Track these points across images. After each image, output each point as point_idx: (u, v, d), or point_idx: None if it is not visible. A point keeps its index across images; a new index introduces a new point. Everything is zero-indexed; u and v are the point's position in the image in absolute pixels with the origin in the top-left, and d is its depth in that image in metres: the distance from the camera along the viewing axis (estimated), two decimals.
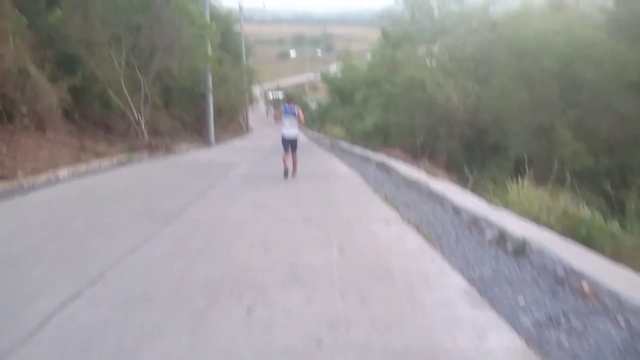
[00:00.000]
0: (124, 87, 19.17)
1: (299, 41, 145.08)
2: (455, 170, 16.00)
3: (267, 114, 71.56)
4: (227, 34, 49.75)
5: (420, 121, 18.36)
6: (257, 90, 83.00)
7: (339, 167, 13.51)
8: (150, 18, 19.35)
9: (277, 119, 11.00)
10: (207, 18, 22.92)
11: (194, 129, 29.15)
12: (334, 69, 58.57)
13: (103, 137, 19.46)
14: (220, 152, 20.29)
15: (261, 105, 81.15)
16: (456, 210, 7.19)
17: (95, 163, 14.11)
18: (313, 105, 66.46)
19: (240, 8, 47.69)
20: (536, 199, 8.46)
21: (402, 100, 19.42)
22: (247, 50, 59.85)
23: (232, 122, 41.52)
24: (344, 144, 23.99)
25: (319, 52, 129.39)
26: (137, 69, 19.91)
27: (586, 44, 12.03)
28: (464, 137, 17.31)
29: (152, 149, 19.03)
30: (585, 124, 11.95)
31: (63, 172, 11.56)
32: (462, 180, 14.14)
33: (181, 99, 28.48)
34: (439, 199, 8.15)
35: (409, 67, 20.25)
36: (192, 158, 16.17)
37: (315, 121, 53.67)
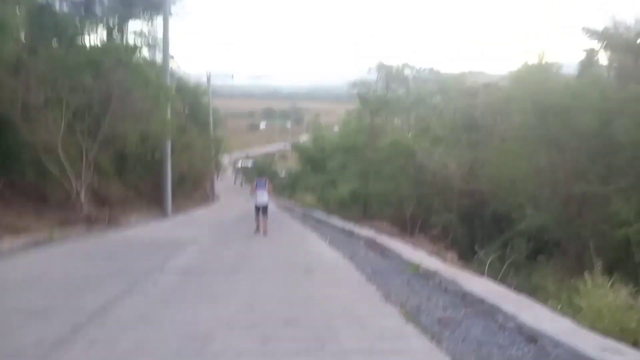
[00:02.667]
0: (61, 154, 15.78)
1: (268, 114, 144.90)
2: (456, 248, 13.01)
3: (235, 182, 68.23)
4: (195, 105, 47.44)
5: (407, 190, 15.47)
6: (226, 159, 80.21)
7: (320, 246, 10.26)
8: (97, 78, 16.36)
9: (252, 191, 12.97)
10: (166, 81, 20.04)
11: (152, 198, 25.53)
12: (303, 139, 56.61)
13: (32, 210, 15.80)
14: (174, 225, 16.79)
15: (230, 173, 78.01)
16: (533, 337, 4.07)
17: (4, 244, 10.48)
18: (283, 174, 63.80)
19: (208, 78, 45.59)
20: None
21: (386, 168, 16.60)
22: (216, 122, 57.53)
23: (196, 190, 38.04)
24: (320, 214, 20.80)
25: (289, 124, 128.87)
26: (80, 134, 16.64)
27: (630, 98, 9.46)
28: (460, 208, 14.42)
29: (90, 223, 15.43)
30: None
31: None
32: (469, 262, 11.11)
33: (137, 167, 25.11)
34: (492, 312, 4.98)
35: (390, 132, 17.65)
36: (134, 234, 12.66)
37: (285, 189, 50.75)
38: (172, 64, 25.09)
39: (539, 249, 11.07)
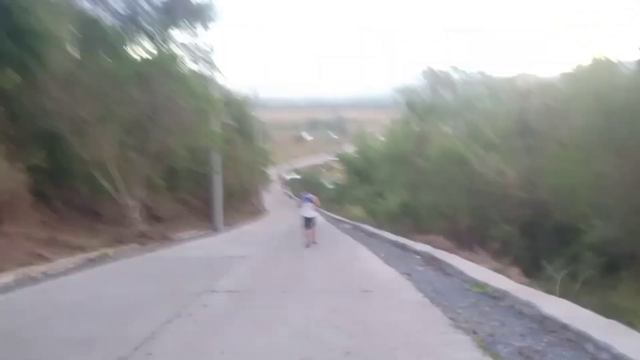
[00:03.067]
0: (112, 170, 16.01)
1: (313, 125, 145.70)
2: (519, 263, 12.18)
3: (284, 195, 68.53)
4: (241, 117, 47.99)
5: (461, 201, 14.68)
6: (273, 172, 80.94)
7: (374, 263, 9.74)
8: (146, 91, 16.53)
9: (300, 206, 13.93)
10: (214, 92, 20.09)
11: (203, 213, 25.76)
12: (348, 150, 56.31)
13: (87, 227, 16.10)
14: (224, 240, 16.65)
15: (277, 186, 78.45)
16: None
17: (60, 262, 10.58)
18: (329, 186, 63.55)
19: (255, 93, 45.97)
20: None
21: (436, 178, 15.88)
22: (263, 134, 58.18)
23: (245, 203, 38.28)
24: (369, 227, 20.26)
25: (333, 134, 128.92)
26: (131, 149, 16.85)
27: None
28: (520, 219, 13.54)
29: (144, 240, 15.52)
30: None
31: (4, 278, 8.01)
32: (536, 278, 10.31)
33: (188, 181, 25.38)
34: (579, 341, 4.37)
35: (439, 140, 16.91)
36: (186, 251, 12.54)
37: (333, 201, 50.41)
38: (218, 76, 25.35)
39: (612, 264, 10.12)
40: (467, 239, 13.86)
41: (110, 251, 12.54)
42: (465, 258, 10.56)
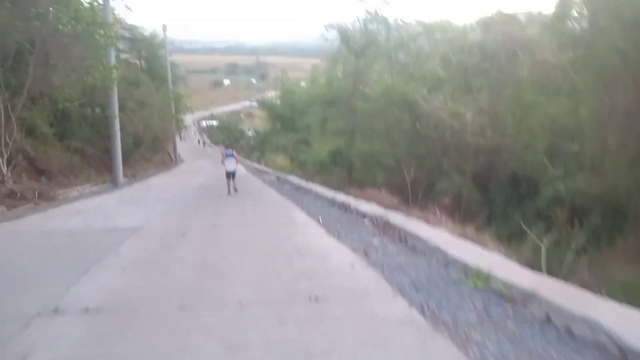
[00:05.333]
0: None
1: (232, 70, 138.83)
2: (473, 220, 10.38)
3: (199, 143, 64.06)
4: (151, 58, 42.97)
5: (405, 149, 12.55)
6: (189, 119, 75.74)
7: (315, 234, 7.29)
8: (13, 12, 12.53)
9: (222, 161, 14.15)
10: (107, 16, 16.02)
11: (103, 164, 21.92)
12: (270, 96, 53.03)
13: None
14: (121, 199, 13.49)
15: (194, 134, 73.60)
16: None
17: None
18: (249, 133, 60.11)
19: (164, 28, 40.82)
20: None
21: (377, 122, 13.58)
22: (177, 78, 53.21)
23: (156, 153, 34.30)
24: (297, 179, 17.80)
25: (254, 80, 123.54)
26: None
27: None
28: (473, 169, 11.67)
29: (14, 201, 12.05)
30: None
31: None
32: (508, 243, 8.49)
33: (84, 128, 21.32)
34: None
35: (380, 79, 14.51)
36: (59, 219, 9.37)
37: (254, 150, 47.32)
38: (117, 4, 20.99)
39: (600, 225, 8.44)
40: (413, 194, 11.81)
41: None
42: (419, 218, 8.47)
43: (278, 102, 40.86)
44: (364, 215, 8.65)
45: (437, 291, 4.40)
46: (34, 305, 3.90)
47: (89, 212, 10.19)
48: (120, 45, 34.38)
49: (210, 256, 5.69)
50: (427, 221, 8.36)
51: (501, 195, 11.81)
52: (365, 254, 5.89)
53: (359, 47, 16.46)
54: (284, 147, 33.76)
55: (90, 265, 5.26)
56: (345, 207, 9.80)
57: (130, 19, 32.77)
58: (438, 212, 9.89)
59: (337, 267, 5.20)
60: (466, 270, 5.01)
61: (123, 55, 36.05)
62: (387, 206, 9.71)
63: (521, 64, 11.49)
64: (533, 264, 6.02)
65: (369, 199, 10.70)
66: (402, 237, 6.90)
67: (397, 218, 7.89)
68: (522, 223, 8.16)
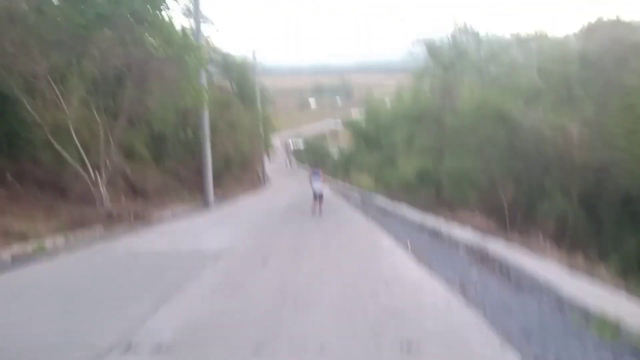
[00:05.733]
0: (74, 135, 12.95)
1: (318, 91, 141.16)
2: (582, 248, 9.20)
3: (287, 165, 65.31)
4: (242, 82, 44.45)
5: (501, 167, 11.53)
6: (276, 140, 77.73)
7: (402, 264, 6.65)
8: (110, 38, 13.25)
9: (310, 180, 14.41)
10: (198, 40, 16.60)
11: (195, 184, 22.69)
12: (355, 114, 52.92)
13: (46, 206, 13.16)
14: (210, 221, 13.69)
15: (281, 154, 75.29)
16: None
17: None
18: (335, 153, 60.28)
19: (254, 53, 42.25)
20: None
21: (468, 138, 12.69)
22: (265, 100, 54.83)
23: (245, 173, 35.22)
24: (381, 201, 17.19)
25: (338, 100, 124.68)
26: (96, 110, 13.70)
27: None
28: (579, 189, 10.42)
29: (111, 221, 12.58)
30: None
31: None
32: (629, 278, 7.33)
33: (177, 150, 22.26)
34: None
35: (471, 92, 13.63)
36: (150, 240, 9.53)
37: (339, 169, 47.24)
38: (211, 31, 21.82)
39: None
40: (510, 216, 10.77)
41: (56, 240, 9.60)
42: (521, 246, 7.58)
43: (362, 120, 40.59)
44: (457, 242, 7.91)
45: (554, 342, 3.64)
46: (108, 336, 3.70)
47: (178, 233, 10.33)
48: (213, 70, 36.03)
49: (292, 283, 5.30)
50: (530, 249, 7.47)
51: (612, 218, 10.42)
52: (463, 289, 5.20)
53: (447, 59, 15.66)
54: (369, 166, 33.26)
55: (171, 292, 5.07)
56: (435, 232, 9.08)
57: (222, 45, 34.07)
58: (541, 239, 8.87)
59: (430, 304, 4.58)
60: (587, 315, 4.20)
61: (216, 79, 37.71)
62: (482, 231, 8.87)
63: (631, 70, 10.15)
64: None
65: (461, 222, 9.89)
66: (503, 270, 6.11)
67: (497, 246, 7.09)
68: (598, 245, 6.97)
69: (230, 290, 5.18)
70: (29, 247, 8.73)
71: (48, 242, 9.49)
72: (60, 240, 9.96)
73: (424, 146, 16.65)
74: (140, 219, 13.56)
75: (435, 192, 15.27)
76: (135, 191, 18.43)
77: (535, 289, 5.13)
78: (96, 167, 13.77)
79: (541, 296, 4.89)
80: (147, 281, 5.74)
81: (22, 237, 10.21)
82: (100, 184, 13.37)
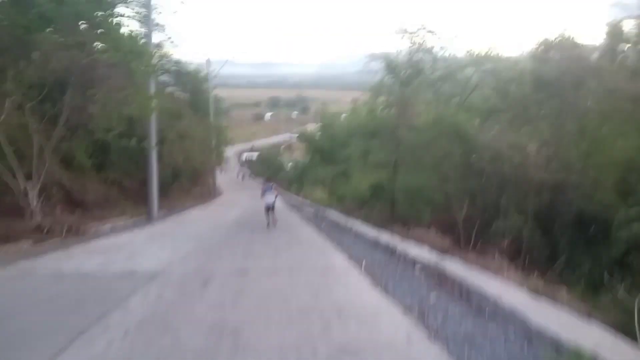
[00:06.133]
0: (3, 141, 11.82)
1: (274, 104, 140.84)
2: (535, 266, 9.02)
3: (238, 176, 64.02)
4: (195, 92, 43.19)
5: (456, 184, 11.29)
6: (230, 151, 76.37)
7: (356, 287, 6.09)
8: (50, 40, 12.20)
9: (262, 193, 14.43)
10: (149, 47, 15.70)
11: (140, 197, 21.47)
12: (310, 129, 52.72)
13: None
14: (150, 235, 12.73)
15: (234, 166, 73.96)
16: None
17: None
18: (289, 166, 59.68)
19: (208, 63, 41.31)
20: None
21: (424, 154, 12.42)
22: (219, 111, 53.72)
23: (195, 185, 33.97)
24: (335, 215, 16.71)
25: (295, 113, 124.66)
26: (31, 116, 12.58)
27: None
28: (534, 207, 10.28)
29: (41, 236, 11.44)
30: None
31: None
32: (589, 299, 7.11)
33: (122, 160, 21.02)
34: None
35: (429, 107, 13.44)
36: (80, 259, 8.54)
37: (293, 182, 46.64)
38: (168, 46, 20.87)
39: None
40: (465, 234, 10.50)
41: None
42: (478, 265, 7.21)
43: (318, 134, 40.32)
44: (413, 262, 7.45)
45: None
46: None
47: (113, 251, 9.37)
48: (165, 79, 34.81)
49: (232, 315, 4.63)
50: (487, 268, 7.11)
51: (566, 239, 10.32)
52: (422, 318, 4.69)
53: (404, 75, 15.46)
54: (323, 179, 32.88)
55: (89, 324, 4.30)
56: (390, 250, 8.61)
57: (176, 54, 32.91)
58: (498, 258, 8.57)
59: (388, 339, 4.03)
60: (559, 347, 3.77)
61: (168, 89, 36.46)
62: (438, 249, 8.47)
63: (587, 92, 10.17)
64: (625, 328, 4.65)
65: (416, 239, 9.48)
66: (463, 293, 5.66)
67: (455, 267, 6.66)
68: (603, 273, 6.77)
69: (159, 324, 4.43)
70: None
71: None
72: None
73: (379, 161, 16.34)
74: (74, 234, 12.47)
75: (390, 207, 14.91)
76: (73, 203, 17.15)
77: (499, 315, 4.69)
78: (28, 177, 12.62)
79: (506, 325, 4.45)
80: (64, 311, 4.91)
81: None
82: (30, 195, 12.21)
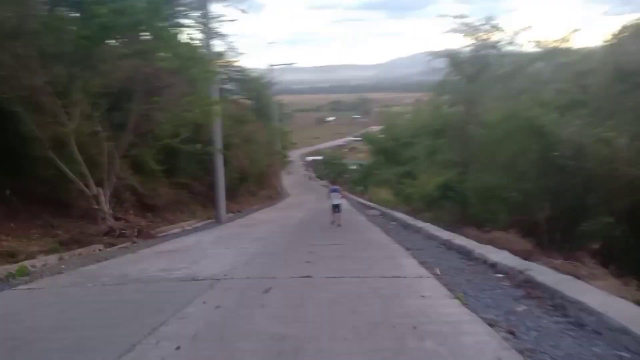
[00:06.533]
0: (75, 150, 12.15)
1: (336, 108, 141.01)
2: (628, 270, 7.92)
3: (304, 179, 64.24)
4: (260, 98, 43.72)
5: (535, 183, 10.25)
6: (295, 155, 76.94)
7: (436, 301, 5.37)
8: (113, 50, 12.45)
9: (328, 195, 14.70)
10: (209, 54, 15.77)
11: (210, 200, 21.76)
12: (373, 130, 52.01)
13: (43, 224, 12.35)
14: (217, 237, 12.62)
15: (299, 168, 74.43)
16: None
17: None
18: (353, 167, 59.11)
19: (270, 68, 41.75)
20: None
21: (497, 151, 11.45)
22: (283, 116, 54.25)
23: (262, 188, 34.31)
24: (402, 216, 15.94)
25: (357, 116, 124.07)
26: (99, 124, 12.90)
27: None
28: (632, 209, 9.08)
29: (112, 239, 11.65)
30: None
31: None
32: None
33: (190, 164, 21.45)
34: None
35: (499, 102, 12.46)
36: (145, 262, 8.46)
37: (357, 184, 46.03)
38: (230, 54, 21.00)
39: None
40: (547, 236, 9.46)
41: (48, 260, 8.66)
42: (568, 272, 6.33)
43: (381, 135, 39.57)
44: (494, 267, 6.67)
45: None
46: None
47: (178, 254, 9.27)
48: (229, 86, 35.50)
49: (293, 327, 4.16)
50: (577, 275, 6.23)
51: None
52: (512, 334, 4.00)
53: (470, 70, 14.49)
54: (388, 180, 32.08)
55: (142, 336, 3.99)
56: (467, 254, 7.84)
57: (240, 62, 33.37)
58: (585, 260, 7.59)
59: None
60: None
61: (233, 96, 37.21)
62: (520, 253, 7.62)
63: None
64: None
65: (494, 243, 8.65)
66: (557, 304, 4.87)
67: (544, 274, 5.83)
68: None
69: (214, 336, 4.03)
70: (13, 268, 7.78)
71: (38, 262, 8.56)
72: (53, 259, 9.03)
73: (447, 160, 15.42)
74: (145, 236, 12.64)
75: (461, 208, 13.98)
76: (145, 207, 17.59)
77: (604, 331, 3.90)
78: (100, 183, 12.95)
79: (615, 343, 3.67)
80: (118, 320, 4.66)
81: (11, 256, 9.28)
82: (102, 200, 12.48)
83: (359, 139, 53.64)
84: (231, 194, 23.55)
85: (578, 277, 6.13)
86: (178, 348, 3.74)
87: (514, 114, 11.50)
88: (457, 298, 5.10)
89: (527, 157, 10.69)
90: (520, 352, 3.57)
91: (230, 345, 3.76)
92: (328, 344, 3.72)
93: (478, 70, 14.73)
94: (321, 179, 60.25)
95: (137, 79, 12.81)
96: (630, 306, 4.52)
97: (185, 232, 14.03)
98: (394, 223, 14.86)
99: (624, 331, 3.83)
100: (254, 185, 31.43)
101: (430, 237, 10.35)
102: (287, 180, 45.91)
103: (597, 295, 4.89)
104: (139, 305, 5.20)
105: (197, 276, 6.57)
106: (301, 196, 38.95)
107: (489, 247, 7.92)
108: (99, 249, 10.61)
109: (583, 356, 3.52)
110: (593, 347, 3.70)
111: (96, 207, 12.50)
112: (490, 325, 4.23)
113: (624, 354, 3.55)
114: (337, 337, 3.88)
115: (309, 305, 4.91)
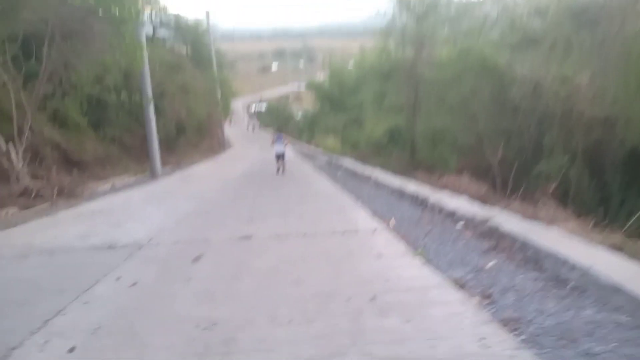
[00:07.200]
0: None
1: (279, 55, 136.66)
2: (582, 211, 7.62)
3: (248, 128, 62.26)
4: (197, 46, 41.06)
5: (490, 124, 9.71)
6: (239, 104, 74.39)
7: (396, 257, 4.71)
8: None
9: (272, 143, 15.14)
10: None
11: (144, 153, 20.14)
12: (318, 78, 50.63)
13: None
14: (150, 195, 11.44)
15: (243, 118, 72.15)
16: None
17: None
18: (299, 116, 57.79)
19: (207, 14, 38.91)
20: None
21: (449, 92, 10.77)
22: (223, 64, 51.58)
23: (203, 139, 32.53)
24: (350, 163, 15.25)
25: (301, 63, 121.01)
26: (3, 70, 11.09)
27: None
28: (589, 149, 8.72)
29: (28, 200, 10.22)
30: None
31: None
32: None
33: (121, 116, 19.59)
34: None
35: (451, 42, 11.71)
36: (63, 227, 7.28)
37: (303, 131, 45.05)
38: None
39: None
40: (501, 179, 9.04)
41: None
42: (525, 214, 5.84)
43: (326, 82, 38.40)
44: (452, 216, 6.05)
45: None
46: None
47: (101, 216, 8.10)
48: (165, 33, 32.92)
49: (224, 308, 3.30)
50: (537, 218, 5.73)
51: (618, 179, 8.82)
52: (488, 298, 3.34)
53: (420, 10, 13.53)
54: (334, 128, 31.36)
55: (27, 333, 3.02)
56: (421, 202, 7.21)
57: (174, 9, 30.95)
58: (547, 205, 7.16)
59: (453, 340, 2.68)
60: None
61: (168, 43, 34.69)
62: (477, 198, 7.07)
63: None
64: None
65: (447, 188, 8.08)
66: (529, 257, 4.29)
67: (509, 221, 5.25)
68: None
69: (124, 326, 3.13)
70: None
71: None
72: None
73: (395, 104, 14.68)
74: (68, 196, 11.24)
75: (410, 153, 13.43)
76: (71, 163, 15.88)
77: (590, 289, 3.33)
78: (11, 138, 11.30)
79: (608, 304, 3.09)
80: (9, 305, 3.63)
81: None
82: (14, 157, 10.90)
83: (303, 87, 52.05)
84: (168, 147, 21.99)
85: (529, 218, 5.63)
86: (71, 350, 2.80)
87: (465, 53, 10.79)
88: (419, 255, 4.40)
89: (479, 97, 10.10)
90: (505, 324, 2.90)
91: (140, 341, 2.86)
92: (267, 330, 2.90)
93: (427, 10, 13.80)
94: (266, 128, 58.69)
95: (49, 19, 10.99)
96: (615, 258, 3.98)
97: (115, 189, 12.69)
98: (342, 170, 14.17)
99: (616, 290, 3.26)
100: (194, 136, 29.69)
101: (380, 184, 9.68)
102: (230, 131, 44.10)
103: (575, 245, 4.33)
104: (36, 286, 4.16)
105: (115, 243, 5.53)
106: (246, 146, 37.58)
107: (444, 193, 7.33)
108: (11, 213, 9.23)
109: (576, 324, 2.90)
110: (584, 311, 3.10)
111: (8, 165, 10.91)
112: (460, 289, 3.56)
113: (622, 317, 2.96)
114: (278, 319, 3.06)
115: (246, 276, 4.05)
